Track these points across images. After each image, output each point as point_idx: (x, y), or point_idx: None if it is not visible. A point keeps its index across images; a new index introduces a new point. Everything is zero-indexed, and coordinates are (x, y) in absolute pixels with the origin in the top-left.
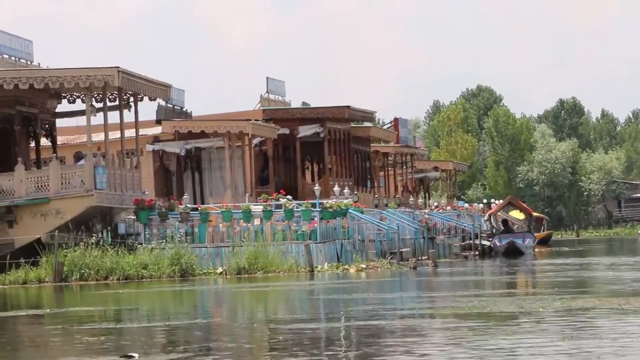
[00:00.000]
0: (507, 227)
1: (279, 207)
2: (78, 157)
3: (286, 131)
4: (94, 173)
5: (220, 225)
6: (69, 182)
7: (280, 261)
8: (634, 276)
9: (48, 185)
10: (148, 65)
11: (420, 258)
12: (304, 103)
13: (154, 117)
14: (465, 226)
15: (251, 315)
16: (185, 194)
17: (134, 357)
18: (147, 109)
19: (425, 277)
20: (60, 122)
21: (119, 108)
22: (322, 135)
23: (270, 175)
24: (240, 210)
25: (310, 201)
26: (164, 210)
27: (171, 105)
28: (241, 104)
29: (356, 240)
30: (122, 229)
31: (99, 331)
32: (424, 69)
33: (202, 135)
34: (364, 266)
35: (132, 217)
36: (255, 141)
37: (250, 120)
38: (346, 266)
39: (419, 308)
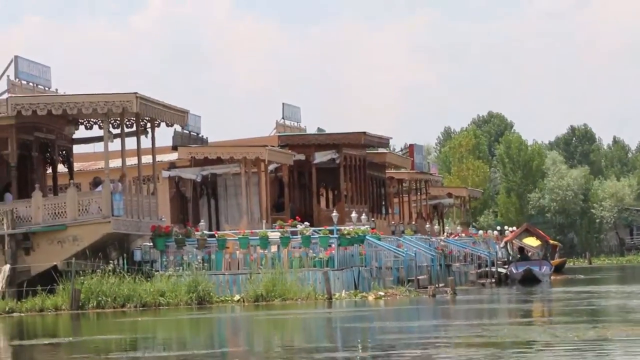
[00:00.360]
0: (523, 254)
1: (294, 233)
2: (96, 182)
3: (302, 157)
4: (111, 199)
5: (237, 252)
6: (86, 209)
7: (298, 288)
8: None
9: (65, 212)
10: (161, 91)
11: (437, 285)
12: (319, 129)
13: (169, 143)
14: (481, 253)
15: (276, 343)
16: (202, 220)
17: None
18: (163, 135)
19: (447, 305)
20: (76, 149)
21: (137, 134)
22: (337, 161)
23: (285, 201)
24: (258, 237)
25: (327, 228)
26: (180, 237)
27: (187, 132)
28: (256, 130)
29: (373, 268)
30: (137, 256)
31: None
32: (434, 95)
33: (218, 161)
34: (382, 294)
35: (148, 244)
36: (271, 167)
37: (267, 146)
38: (364, 294)
39: (451, 337)
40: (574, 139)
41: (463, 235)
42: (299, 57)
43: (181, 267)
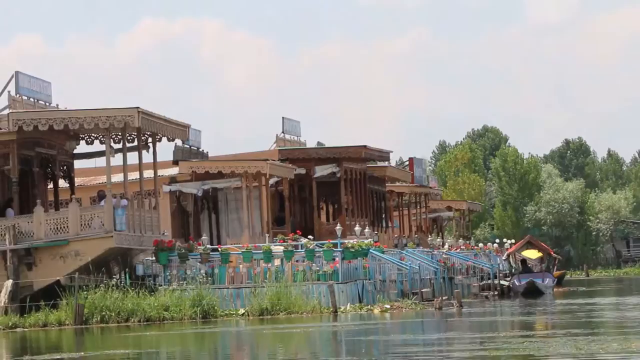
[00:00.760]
0: (525, 266)
1: (296, 247)
2: (100, 196)
3: (302, 171)
4: (113, 214)
5: (241, 265)
6: (88, 224)
7: (303, 302)
8: None
9: (67, 227)
10: (157, 107)
11: (441, 298)
12: (319, 143)
13: (170, 158)
14: (483, 266)
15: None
16: (204, 234)
17: None
18: (163, 150)
19: (456, 318)
20: (77, 164)
21: (138, 149)
22: (338, 175)
23: (286, 215)
24: (261, 251)
25: (331, 241)
26: (183, 251)
27: (188, 146)
28: (256, 145)
29: (377, 281)
30: (140, 271)
31: None
32: (429, 109)
33: (219, 175)
34: (388, 307)
35: (150, 258)
36: (271, 181)
37: (268, 160)
38: (369, 307)
39: (474, 350)
40: (569, 152)
41: (464, 247)
42: (294, 74)
43: (185, 281)
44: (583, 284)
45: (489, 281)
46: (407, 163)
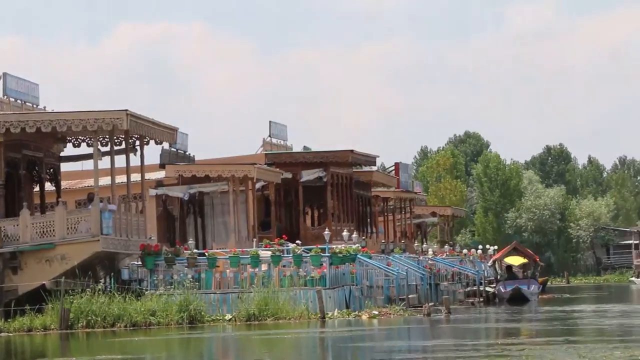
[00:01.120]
0: (511, 273)
1: (282, 252)
2: (90, 199)
3: (289, 175)
4: (100, 218)
5: (228, 270)
6: (74, 228)
7: (291, 308)
8: None
9: (53, 230)
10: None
11: (428, 304)
12: (305, 147)
13: (156, 161)
14: (468, 272)
15: None
16: (191, 239)
17: None
18: (149, 154)
19: (447, 325)
20: (63, 167)
21: (126, 152)
22: (325, 179)
23: (272, 220)
24: (248, 256)
25: (319, 246)
26: (170, 255)
27: (175, 149)
28: (242, 148)
29: (364, 286)
30: (125, 275)
31: None
32: (410, 115)
33: (205, 179)
34: (376, 312)
35: (136, 262)
36: (257, 185)
37: (256, 164)
38: (357, 313)
39: (475, 357)
40: (550, 158)
41: (448, 253)
42: (276, 78)
43: (172, 286)
44: (564, 291)
45: (474, 287)
46: (391, 168)
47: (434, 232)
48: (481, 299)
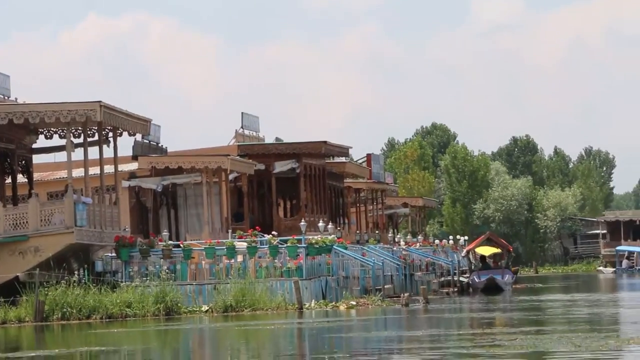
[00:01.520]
0: (485, 263)
1: (261, 243)
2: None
3: (261, 167)
4: (74, 210)
5: (203, 262)
6: (48, 220)
7: (268, 299)
8: None
9: (27, 222)
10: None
11: (407, 295)
12: (277, 139)
13: (129, 153)
14: (442, 262)
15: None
16: (165, 230)
17: None
18: (122, 145)
19: (427, 315)
20: (35, 158)
21: (99, 143)
22: (297, 170)
23: (245, 211)
24: (224, 247)
25: (295, 237)
26: (145, 247)
27: (147, 141)
28: (213, 140)
29: (340, 277)
30: (99, 267)
31: None
32: (377, 106)
33: (179, 171)
34: (354, 303)
35: (109, 254)
36: (230, 177)
37: (229, 155)
38: (335, 303)
39: (468, 347)
40: (516, 149)
41: (421, 244)
42: (246, 72)
43: (147, 278)
44: (533, 281)
45: (448, 278)
46: (363, 160)
47: (404, 223)
48: (455, 289)
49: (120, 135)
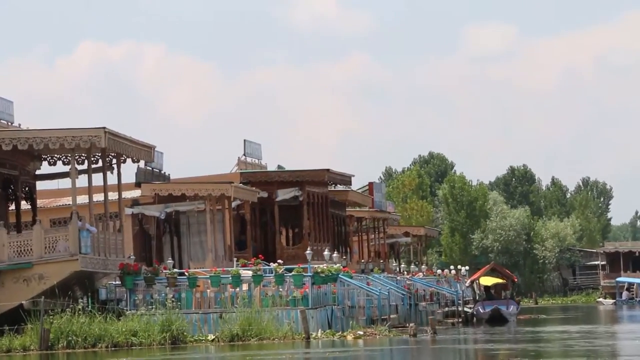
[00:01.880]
0: (489, 293)
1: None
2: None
3: (264, 194)
4: (78, 237)
5: (208, 290)
6: (52, 247)
7: (275, 328)
8: None
9: (31, 249)
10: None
11: (412, 325)
12: (279, 166)
13: (132, 180)
14: (446, 292)
15: None
16: (170, 258)
17: None
18: (125, 172)
19: (438, 346)
20: (39, 185)
21: (103, 170)
22: (300, 198)
23: (247, 239)
24: (229, 275)
25: (301, 265)
26: (150, 275)
27: (150, 168)
28: (215, 168)
29: (346, 307)
30: (102, 295)
31: None
32: (373, 136)
33: (182, 198)
34: (361, 333)
35: (113, 282)
36: (233, 205)
37: (233, 183)
38: (342, 333)
39: None
40: (514, 179)
41: (425, 273)
42: (239, 99)
43: (152, 306)
44: (534, 312)
45: (453, 308)
46: (365, 188)
47: (404, 253)
48: (460, 320)
49: (124, 162)
